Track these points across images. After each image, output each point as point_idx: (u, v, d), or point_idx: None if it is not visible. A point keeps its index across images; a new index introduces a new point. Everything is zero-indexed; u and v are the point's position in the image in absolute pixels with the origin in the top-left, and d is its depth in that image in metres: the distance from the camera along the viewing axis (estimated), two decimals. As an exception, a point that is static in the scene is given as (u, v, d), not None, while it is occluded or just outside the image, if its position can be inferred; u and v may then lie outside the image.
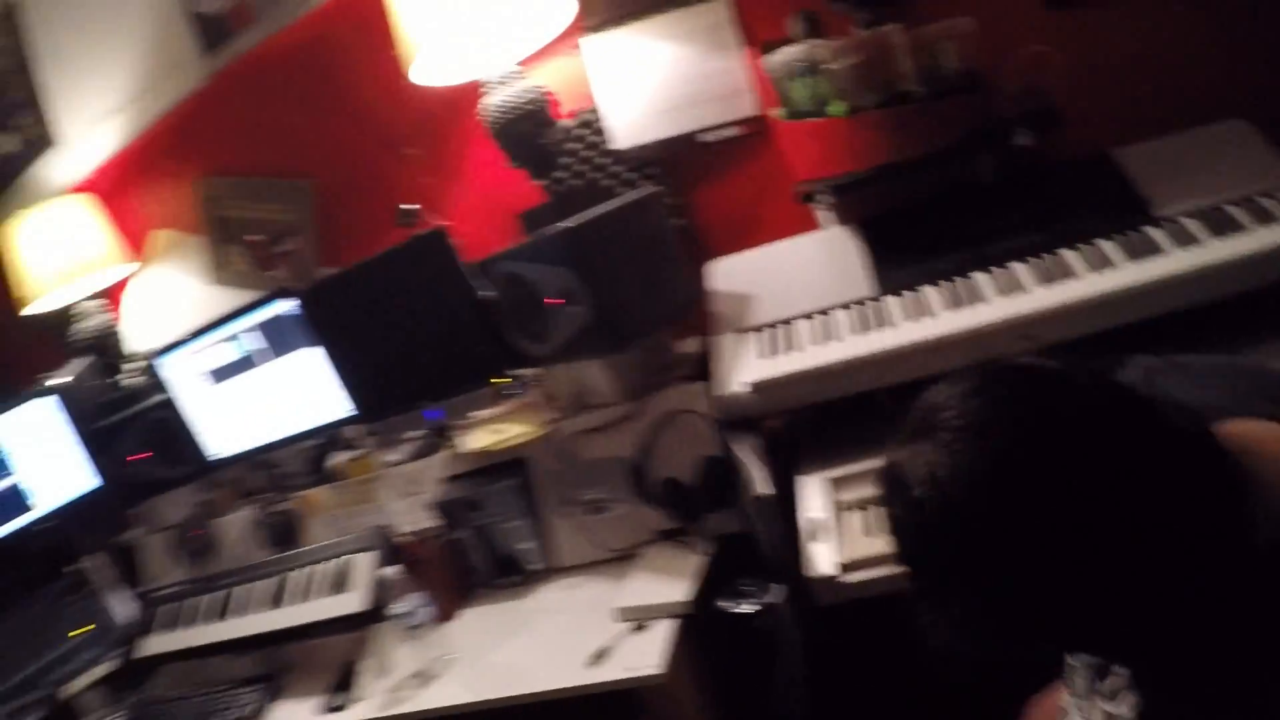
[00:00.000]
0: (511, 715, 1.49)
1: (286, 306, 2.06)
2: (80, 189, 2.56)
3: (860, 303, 1.64)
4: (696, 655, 1.51)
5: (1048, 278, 1.47)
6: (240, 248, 2.45)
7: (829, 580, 1.38)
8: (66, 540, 2.49)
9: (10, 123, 2.65)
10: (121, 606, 2.26)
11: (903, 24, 1.59)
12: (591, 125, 1.97)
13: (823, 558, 1.41)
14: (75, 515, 2.46)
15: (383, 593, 1.70)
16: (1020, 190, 1.64)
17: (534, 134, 1.75)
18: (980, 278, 1.54)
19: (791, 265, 1.78)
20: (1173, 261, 1.40)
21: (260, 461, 2.33)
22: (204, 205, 2.45)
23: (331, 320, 2.04)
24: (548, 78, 1.92)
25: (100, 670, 2.14)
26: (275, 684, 1.89)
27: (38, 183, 2.64)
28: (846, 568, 1.39)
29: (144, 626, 2.16)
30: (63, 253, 2.37)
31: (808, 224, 1.87)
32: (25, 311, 2.42)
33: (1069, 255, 1.50)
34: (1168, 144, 1.60)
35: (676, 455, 1.66)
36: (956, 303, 1.52)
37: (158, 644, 2.10)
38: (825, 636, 1.51)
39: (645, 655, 1.43)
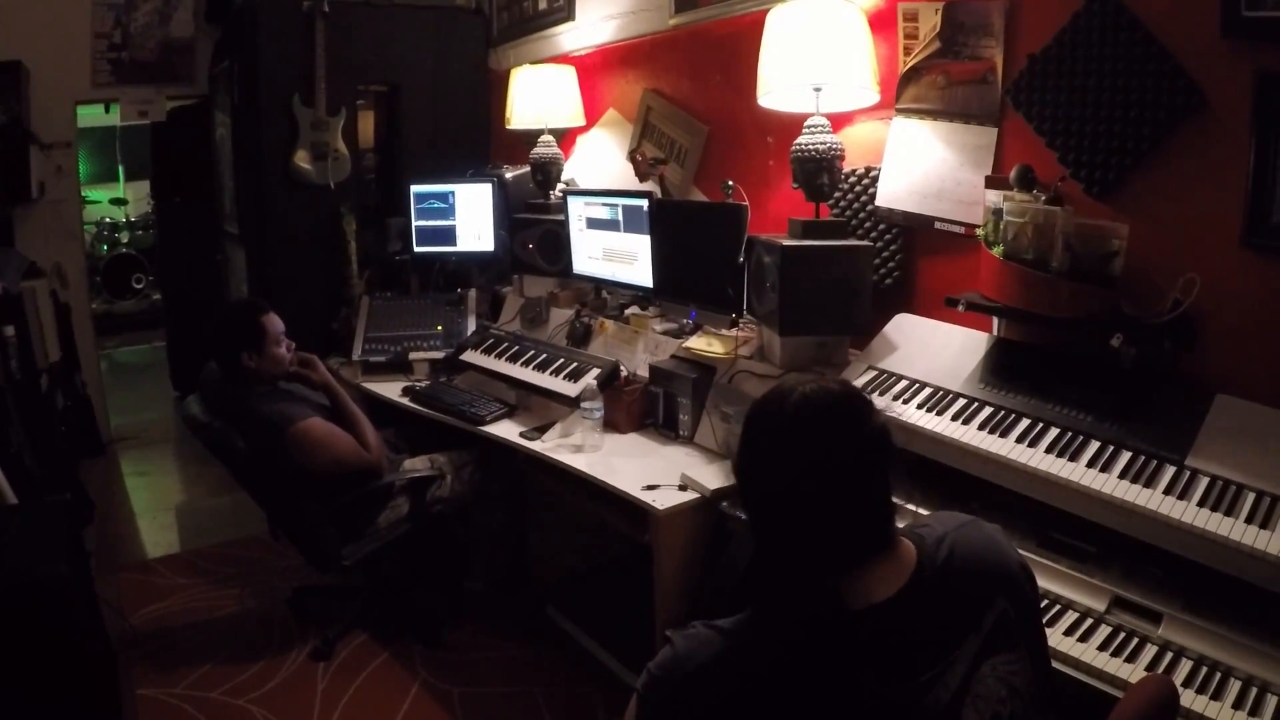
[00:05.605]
0: (597, 491, 2.41)
1: (643, 204, 3.01)
2: (567, 60, 3.66)
3: (949, 393, 2.07)
4: (691, 521, 2.26)
5: (1064, 455, 1.80)
6: (648, 145, 3.44)
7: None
8: (467, 273, 3.80)
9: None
10: (468, 325, 3.50)
11: (1073, 209, 1.99)
12: (868, 179, 2.59)
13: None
14: (474, 263, 3.75)
15: (585, 394, 2.67)
16: (1122, 382, 1.90)
17: (816, 173, 2.43)
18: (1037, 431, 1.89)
19: (936, 343, 2.27)
20: (1143, 498, 1.64)
21: (595, 287, 3.35)
22: (641, 107, 3.46)
23: (660, 227, 2.98)
24: (857, 133, 2.60)
25: (434, 354, 3.42)
26: (513, 410, 2.99)
27: (546, 43, 3.81)
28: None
29: (472, 343, 3.36)
30: (542, 98, 3.53)
31: (983, 324, 2.26)
32: (509, 126, 3.64)
33: (1092, 446, 1.79)
34: (1262, 414, 1.73)
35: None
36: (1003, 433, 1.90)
37: (471, 356, 3.29)
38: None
39: (664, 500, 2.24)
